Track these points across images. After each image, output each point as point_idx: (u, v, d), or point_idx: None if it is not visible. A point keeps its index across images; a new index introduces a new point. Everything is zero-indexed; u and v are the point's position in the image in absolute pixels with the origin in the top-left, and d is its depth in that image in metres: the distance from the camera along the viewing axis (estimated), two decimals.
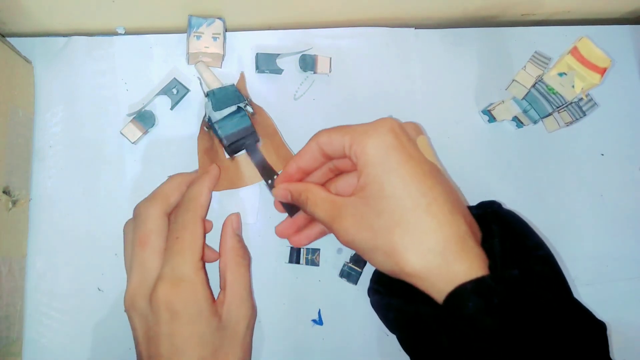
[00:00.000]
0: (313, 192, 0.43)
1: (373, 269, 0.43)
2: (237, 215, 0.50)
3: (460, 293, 0.34)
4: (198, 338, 0.40)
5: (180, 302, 0.40)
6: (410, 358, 0.40)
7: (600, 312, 0.56)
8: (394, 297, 0.40)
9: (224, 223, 0.49)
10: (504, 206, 0.44)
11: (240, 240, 0.49)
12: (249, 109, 0.53)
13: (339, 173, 0.47)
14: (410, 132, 0.40)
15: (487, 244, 0.38)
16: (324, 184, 0.47)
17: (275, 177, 0.52)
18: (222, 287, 0.46)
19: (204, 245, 0.45)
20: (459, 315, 0.34)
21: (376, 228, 0.37)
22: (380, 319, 0.43)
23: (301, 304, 0.54)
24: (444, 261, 0.35)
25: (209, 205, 0.47)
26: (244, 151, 0.54)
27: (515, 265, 0.36)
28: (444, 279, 0.35)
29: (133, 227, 0.46)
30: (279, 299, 0.54)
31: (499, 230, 0.39)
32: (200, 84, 0.54)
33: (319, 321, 0.54)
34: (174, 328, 0.40)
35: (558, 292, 0.37)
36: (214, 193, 0.51)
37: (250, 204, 0.54)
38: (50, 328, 0.51)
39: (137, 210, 0.47)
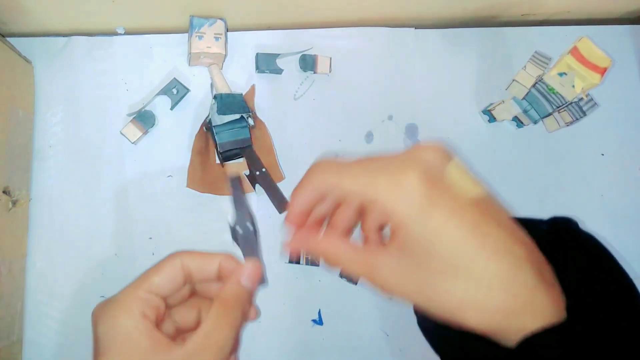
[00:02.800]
0: (333, 253, 0.35)
1: None
2: (256, 265, 0.38)
3: (539, 341, 0.29)
4: None
5: (108, 321, 0.35)
6: None
7: None
8: (453, 328, 0.33)
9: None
10: (580, 225, 0.37)
11: (241, 292, 0.37)
12: (251, 121, 0.54)
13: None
14: (440, 163, 0.33)
15: (564, 276, 0.32)
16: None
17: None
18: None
19: (175, 287, 0.37)
20: None
21: (427, 286, 0.32)
22: (431, 345, 0.37)
23: (301, 304, 0.54)
24: (514, 316, 0.30)
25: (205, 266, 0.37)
26: (235, 160, 0.54)
27: (598, 307, 0.31)
28: (513, 330, 0.30)
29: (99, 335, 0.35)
30: (279, 299, 0.54)
31: (582, 260, 0.33)
32: (211, 85, 0.54)
33: (319, 321, 0.54)
34: None
35: None
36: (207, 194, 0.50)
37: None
38: (50, 328, 0.51)
39: (104, 314, 0.36)
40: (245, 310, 0.38)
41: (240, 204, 0.40)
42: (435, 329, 0.35)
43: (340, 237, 0.36)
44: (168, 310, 0.38)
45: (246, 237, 0.39)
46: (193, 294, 0.39)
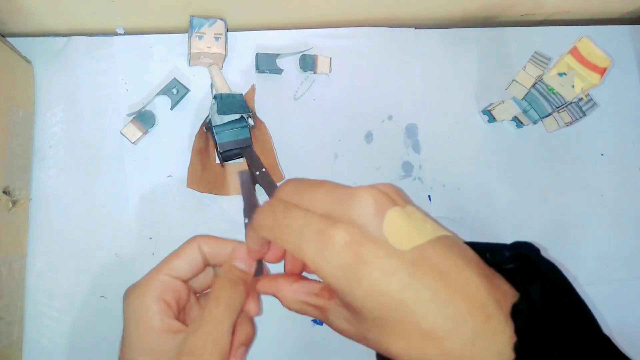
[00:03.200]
0: (291, 302, 0.37)
1: None
2: (245, 249, 0.38)
3: None
4: None
5: (130, 298, 0.37)
6: None
7: (601, 311, 0.56)
8: None
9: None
10: (541, 252, 0.36)
11: (233, 272, 0.38)
12: (251, 121, 0.54)
13: None
14: (377, 214, 0.31)
15: (519, 314, 0.31)
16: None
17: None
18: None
19: (197, 271, 0.38)
20: None
21: (370, 337, 0.32)
22: None
23: None
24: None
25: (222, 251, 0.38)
26: (235, 160, 0.54)
27: (548, 344, 0.30)
28: None
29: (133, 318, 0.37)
30: None
31: (537, 294, 0.32)
32: (211, 85, 0.54)
33: (319, 321, 0.54)
34: None
35: None
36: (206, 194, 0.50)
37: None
38: (50, 328, 0.51)
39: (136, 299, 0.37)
40: (239, 297, 0.37)
41: (250, 198, 0.40)
42: None
43: (299, 287, 0.37)
44: (195, 295, 0.39)
45: None
46: None
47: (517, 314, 0.30)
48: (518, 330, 0.29)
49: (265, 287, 0.38)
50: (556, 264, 0.34)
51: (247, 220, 0.40)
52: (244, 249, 0.38)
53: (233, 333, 0.36)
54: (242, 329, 0.38)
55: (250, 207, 0.41)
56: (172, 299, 0.37)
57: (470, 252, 0.33)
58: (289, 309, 0.37)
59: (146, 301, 0.36)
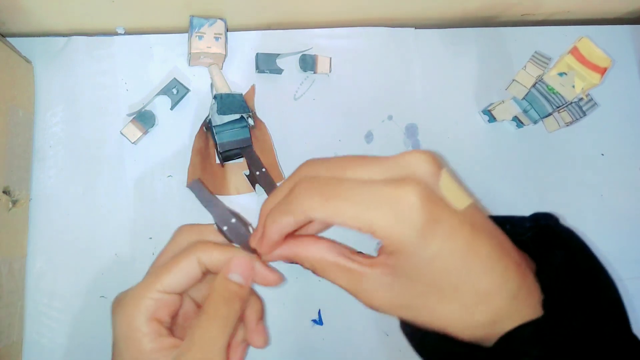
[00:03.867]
0: (319, 260, 0.33)
1: None
2: (245, 258, 0.36)
3: (517, 339, 0.30)
4: None
5: (118, 316, 0.35)
6: None
7: None
8: (433, 332, 0.33)
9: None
10: (560, 221, 0.37)
11: (227, 287, 0.35)
12: (251, 121, 0.54)
13: None
14: (434, 175, 0.31)
15: (544, 271, 0.32)
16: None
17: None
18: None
19: (191, 284, 0.36)
20: None
21: (414, 304, 0.32)
22: (412, 346, 0.36)
23: (301, 304, 0.54)
24: (495, 325, 0.31)
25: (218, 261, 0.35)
26: (235, 160, 0.54)
27: (574, 302, 0.32)
28: (494, 335, 0.31)
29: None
30: (279, 299, 0.54)
31: (561, 257, 0.33)
32: (211, 85, 0.54)
33: (319, 321, 0.54)
34: None
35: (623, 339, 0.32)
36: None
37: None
38: (50, 328, 0.51)
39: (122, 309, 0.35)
40: (237, 308, 0.35)
41: (211, 205, 0.38)
42: (416, 332, 0.35)
43: (328, 247, 0.34)
44: (196, 303, 0.37)
45: (233, 231, 0.37)
46: None
47: (543, 274, 0.31)
48: (544, 289, 0.31)
49: (285, 250, 0.34)
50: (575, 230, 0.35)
51: (217, 226, 0.38)
52: (240, 259, 0.35)
53: (228, 348, 0.34)
54: (238, 349, 0.36)
55: (215, 212, 0.38)
56: (165, 315, 0.34)
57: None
58: (313, 269, 0.34)
59: (135, 322, 0.34)
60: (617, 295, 0.33)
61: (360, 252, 0.33)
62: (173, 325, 0.36)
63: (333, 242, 0.34)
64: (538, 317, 0.30)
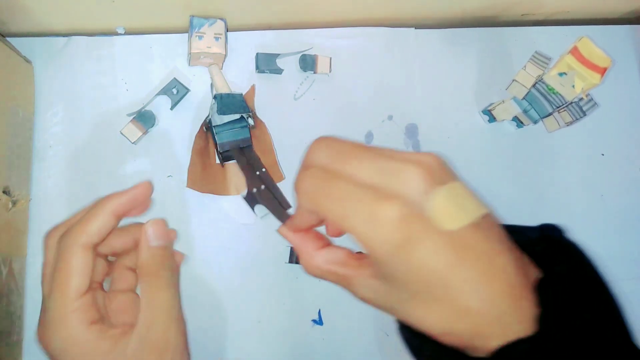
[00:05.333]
0: (314, 269, 0.37)
1: None
2: (156, 222, 0.40)
3: (514, 352, 0.30)
4: None
5: (58, 343, 0.36)
6: None
7: None
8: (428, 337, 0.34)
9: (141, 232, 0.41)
10: (565, 234, 0.37)
11: (156, 254, 0.39)
12: (251, 121, 0.54)
13: None
14: (428, 189, 0.31)
15: (543, 289, 0.32)
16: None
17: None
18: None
19: (88, 278, 0.38)
20: None
21: (401, 308, 0.33)
22: (408, 350, 0.38)
23: (301, 304, 0.54)
24: (481, 338, 0.31)
25: (104, 232, 0.38)
26: (235, 160, 0.54)
27: (572, 318, 0.32)
28: (480, 347, 0.31)
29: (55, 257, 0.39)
30: (279, 299, 0.54)
31: (563, 271, 0.33)
32: (211, 85, 0.54)
33: (319, 321, 0.54)
34: None
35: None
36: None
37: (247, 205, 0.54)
38: None
39: (60, 240, 0.39)
40: (172, 265, 0.40)
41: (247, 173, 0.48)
42: (413, 337, 0.36)
43: (321, 250, 0.36)
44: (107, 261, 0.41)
45: (262, 195, 0.47)
46: None
47: (542, 288, 0.31)
48: (543, 303, 0.31)
49: (295, 240, 0.37)
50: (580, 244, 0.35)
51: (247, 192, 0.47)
52: (152, 226, 0.39)
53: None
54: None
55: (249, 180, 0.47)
56: (94, 311, 0.37)
57: (503, 233, 0.33)
58: (308, 273, 0.37)
59: (78, 336, 0.36)
60: (618, 312, 0.33)
61: (359, 252, 0.34)
62: (104, 310, 0.38)
63: (333, 247, 0.36)
64: (532, 334, 0.30)
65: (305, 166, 0.34)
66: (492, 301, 0.31)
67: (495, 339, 0.30)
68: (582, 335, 0.31)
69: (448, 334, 0.32)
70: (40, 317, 0.37)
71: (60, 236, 0.39)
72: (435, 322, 0.32)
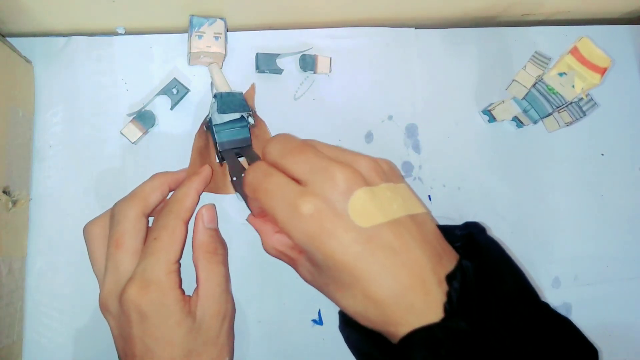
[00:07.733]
0: (270, 248, 0.44)
1: None
2: (209, 207, 0.47)
3: (411, 341, 0.33)
4: (169, 339, 0.40)
5: (148, 304, 0.39)
6: None
7: (600, 312, 0.56)
8: (355, 329, 0.39)
9: (195, 217, 0.46)
10: (488, 232, 0.41)
11: (212, 234, 0.46)
12: (251, 120, 0.54)
13: None
14: (342, 197, 0.35)
15: (452, 279, 0.35)
16: None
17: None
18: (197, 286, 0.44)
19: (183, 248, 0.44)
20: None
21: (327, 290, 0.39)
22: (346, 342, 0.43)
23: (301, 304, 0.54)
24: (392, 325, 0.34)
25: (194, 209, 0.45)
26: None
27: (479, 307, 0.34)
28: (392, 334, 0.35)
29: (110, 227, 0.45)
30: (279, 299, 0.54)
31: (473, 266, 0.36)
32: (211, 84, 0.54)
33: (319, 321, 0.54)
34: (144, 330, 0.40)
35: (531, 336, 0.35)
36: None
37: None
38: (50, 328, 0.51)
39: (114, 209, 0.45)
40: (224, 244, 0.47)
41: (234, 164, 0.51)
42: (344, 329, 0.41)
43: (277, 234, 0.43)
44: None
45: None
46: None
47: (450, 280, 0.35)
48: (449, 293, 0.34)
49: (255, 224, 0.45)
50: (500, 242, 0.40)
51: (234, 179, 0.51)
52: (207, 211, 0.47)
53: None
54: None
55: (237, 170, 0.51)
56: (180, 278, 0.43)
57: (430, 232, 0.37)
58: (266, 252, 0.44)
59: (166, 296, 0.41)
60: (537, 300, 0.37)
61: None
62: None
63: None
64: (432, 323, 0.33)
65: (261, 159, 0.40)
66: (401, 292, 0.34)
67: (406, 327, 0.33)
68: (483, 317, 0.34)
69: (363, 318, 0.36)
70: (108, 287, 0.42)
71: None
72: (349, 305, 0.36)
